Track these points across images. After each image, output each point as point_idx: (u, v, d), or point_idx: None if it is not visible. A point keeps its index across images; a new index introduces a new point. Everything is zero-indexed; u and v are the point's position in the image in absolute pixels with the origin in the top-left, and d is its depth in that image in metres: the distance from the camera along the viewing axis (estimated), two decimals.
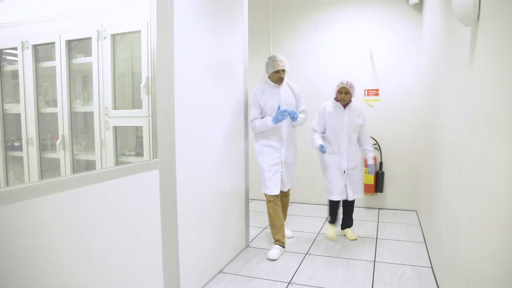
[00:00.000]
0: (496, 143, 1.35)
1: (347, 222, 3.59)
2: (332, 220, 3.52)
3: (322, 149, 3.24)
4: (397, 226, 3.86)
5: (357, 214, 4.27)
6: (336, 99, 3.34)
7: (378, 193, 4.50)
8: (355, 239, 3.47)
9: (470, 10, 1.56)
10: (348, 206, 3.55)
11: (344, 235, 3.57)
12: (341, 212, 3.58)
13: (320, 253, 3.15)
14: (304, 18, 4.74)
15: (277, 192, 3.16)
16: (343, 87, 3.25)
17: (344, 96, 3.27)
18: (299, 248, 3.26)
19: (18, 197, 1.24)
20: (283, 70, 3.14)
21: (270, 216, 3.20)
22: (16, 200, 1.23)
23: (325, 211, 4.45)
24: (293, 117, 3.04)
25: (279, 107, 3.03)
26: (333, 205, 3.51)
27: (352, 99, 3.34)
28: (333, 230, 3.49)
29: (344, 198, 3.39)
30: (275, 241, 3.19)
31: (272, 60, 3.13)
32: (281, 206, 3.35)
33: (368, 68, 4.50)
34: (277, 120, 3.02)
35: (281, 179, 3.24)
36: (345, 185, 3.36)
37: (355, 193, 3.42)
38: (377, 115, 4.45)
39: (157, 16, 1.98)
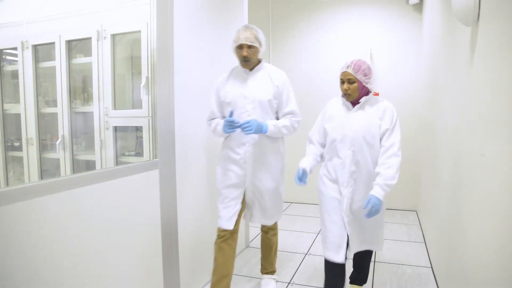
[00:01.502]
0: (496, 143, 1.35)
1: (357, 277, 2.36)
2: None
3: (298, 177, 2.04)
4: (397, 226, 3.86)
5: None
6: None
7: None
8: None
9: (470, 10, 1.56)
10: (361, 258, 2.28)
11: None
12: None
13: (320, 253, 3.15)
14: (304, 18, 4.74)
15: (229, 226, 2.17)
16: (344, 72, 1.99)
17: (347, 87, 1.98)
18: (299, 248, 3.26)
19: (18, 197, 1.24)
20: (249, 47, 2.10)
21: (214, 258, 2.21)
22: (16, 200, 1.23)
23: None
24: (258, 131, 2.08)
25: (231, 113, 2.07)
26: (329, 269, 2.06)
27: (371, 91, 2.04)
28: None
29: (341, 259, 1.97)
30: None
31: (237, 30, 2.16)
32: (263, 248, 2.49)
33: None
34: (225, 131, 2.12)
35: (249, 208, 2.30)
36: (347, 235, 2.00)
37: (364, 244, 2.10)
38: None
39: (157, 16, 1.98)
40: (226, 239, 2.19)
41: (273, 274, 2.56)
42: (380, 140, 1.99)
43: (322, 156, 2.17)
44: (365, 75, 1.98)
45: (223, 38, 2.82)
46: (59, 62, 2.53)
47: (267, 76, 2.21)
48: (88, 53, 2.48)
